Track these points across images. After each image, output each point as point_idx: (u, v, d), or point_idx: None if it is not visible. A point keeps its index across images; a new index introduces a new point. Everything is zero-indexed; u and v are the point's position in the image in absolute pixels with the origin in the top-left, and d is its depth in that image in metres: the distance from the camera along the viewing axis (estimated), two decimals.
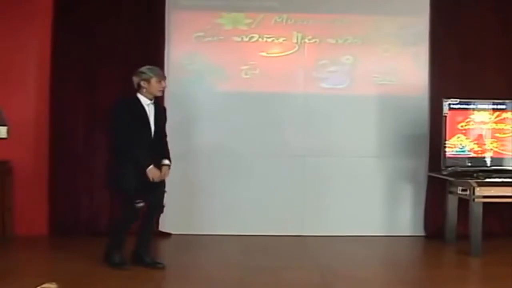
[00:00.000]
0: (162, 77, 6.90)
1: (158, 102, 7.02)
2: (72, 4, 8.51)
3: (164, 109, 7.14)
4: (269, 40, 8.80)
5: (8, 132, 7.59)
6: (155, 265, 6.86)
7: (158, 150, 6.88)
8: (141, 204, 6.66)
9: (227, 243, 8.10)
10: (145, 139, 6.72)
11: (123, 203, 6.81)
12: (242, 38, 8.79)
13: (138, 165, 6.62)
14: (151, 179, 6.64)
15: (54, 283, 4.70)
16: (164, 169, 6.86)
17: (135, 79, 6.85)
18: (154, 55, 8.48)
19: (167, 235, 8.55)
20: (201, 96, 8.74)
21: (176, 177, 8.56)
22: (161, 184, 6.86)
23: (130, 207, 6.65)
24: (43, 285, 4.64)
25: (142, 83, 6.80)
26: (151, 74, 6.81)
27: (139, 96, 6.80)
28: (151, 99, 6.82)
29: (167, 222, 8.51)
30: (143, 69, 6.89)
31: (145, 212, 6.82)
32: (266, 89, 8.66)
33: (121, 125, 6.65)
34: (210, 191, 8.67)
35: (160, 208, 6.95)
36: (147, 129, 6.76)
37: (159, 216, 7.16)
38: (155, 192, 6.79)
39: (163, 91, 7.00)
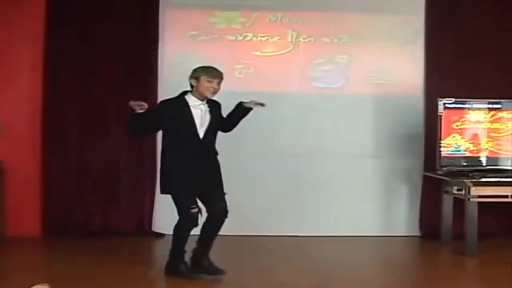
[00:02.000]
0: (214, 77, 6.49)
1: (212, 101, 6.61)
2: (65, 3, 8.48)
3: (219, 105, 6.70)
4: (264, 39, 8.76)
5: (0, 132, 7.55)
6: (216, 271, 6.54)
7: (234, 117, 6.76)
8: (195, 210, 6.37)
9: (221, 244, 8.04)
10: (190, 142, 6.39)
11: (178, 209, 6.44)
12: (236, 37, 8.75)
13: (132, 125, 6.46)
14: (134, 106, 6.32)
15: (46, 284, 4.66)
16: (248, 103, 6.70)
17: (189, 78, 6.56)
18: (148, 54, 8.52)
19: (160, 235, 8.50)
20: None
21: None
22: (220, 187, 6.57)
23: (185, 213, 6.37)
24: (35, 286, 4.60)
25: (192, 82, 6.52)
26: (201, 73, 6.50)
27: (188, 96, 6.50)
28: (202, 100, 6.50)
29: (160, 223, 8.48)
30: (197, 67, 6.60)
31: (208, 218, 6.51)
32: (260, 89, 8.60)
33: (152, 119, 6.41)
34: None
35: (225, 213, 6.53)
36: (191, 131, 6.40)
37: (223, 221, 6.63)
38: (216, 197, 6.50)
39: (214, 93, 6.53)
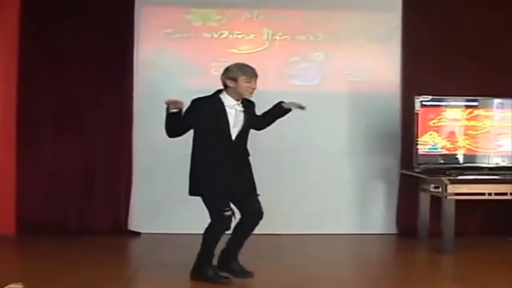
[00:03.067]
0: (252, 76, 6.17)
1: (247, 101, 6.29)
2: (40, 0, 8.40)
3: (253, 104, 6.39)
4: (239, 36, 8.73)
5: None
6: (244, 274, 6.32)
7: (270, 117, 6.55)
8: (229, 213, 6.14)
9: (198, 243, 8.01)
10: (222, 143, 6.14)
11: (210, 212, 6.19)
12: (212, 35, 8.72)
13: (168, 125, 6.21)
14: (169, 105, 6.11)
15: (20, 283, 4.60)
16: (287, 104, 6.48)
17: (222, 78, 6.23)
18: (123, 52, 8.49)
19: (136, 234, 8.45)
20: (170, 93, 8.58)
21: (146, 175, 8.53)
22: (253, 189, 6.32)
23: (218, 216, 6.12)
24: (9, 286, 4.53)
25: (228, 82, 6.16)
26: (238, 73, 6.15)
27: (223, 95, 6.20)
28: (237, 100, 6.19)
29: (136, 221, 8.45)
30: (231, 66, 6.27)
31: (242, 219, 6.26)
32: None
33: (184, 118, 6.15)
34: (182, 189, 8.55)
35: (260, 214, 6.28)
36: (224, 132, 6.14)
37: (258, 223, 6.33)
38: (250, 199, 6.27)
39: (252, 92, 6.22)
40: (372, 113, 8.69)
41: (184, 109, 6.16)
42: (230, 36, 8.73)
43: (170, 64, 8.67)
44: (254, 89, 6.20)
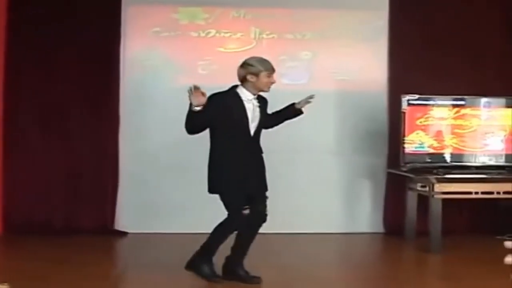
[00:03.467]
0: (272, 71, 6.10)
1: (260, 97, 6.21)
2: (26, 0, 8.37)
3: (266, 101, 6.30)
4: (227, 35, 8.71)
5: None
6: (251, 280, 6.22)
7: (281, 117, 6.54)
8: (247, 211, 6.06)
9: (186, 242, 7.97)
10: (242, 139, 6.04)
11: (228, 209, 6.07)
12: (199, 33, 8.69)
13: (189, 122, 6.02)
14: (194, 102, 5.92)
15: (6, 284, 4.57)
16: (299, 104, 6.51)
17: (241, 72, 6.10)
18: (110, 51, 8.44)
19: (123, 234, 8.43)
20: (157, 92, 8.62)
21: (132, 174, 8.50)
22: (264, 189, 6.22)
23: (236, 215, 6.03)
24: None
25: (249, 77, 6.04)
26: (260, 68, 6.04)
27: (240, 90, 6.10)
28: (254, 94, 6.11)
29: (123, 221, 8.43)
30: (251, 61, 6.14)
31: (246, 222, 6.14)
32: (223, 85, 8.51)
33: (204, 114, 5.98)
34: (168, 188, 8.55)
35: (263, 217, 6.20)
36: (244, 127, 6.05)
37: (260, 226, 6.25)
38: (259, 200, 6.16)
39: (270, 87, 6.16)
40: (359, 112, 8.69)
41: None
42: (217, 34, 8.70)
43: (157, 63, 8.64)
44: (273, 83, 6.14)
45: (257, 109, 6.13)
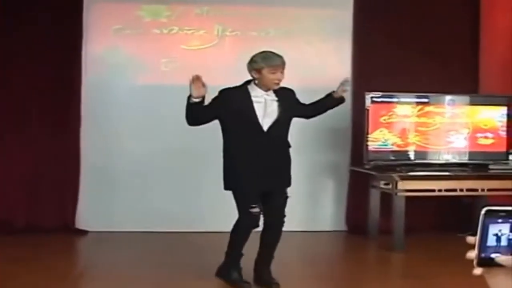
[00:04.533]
0: (277, 67, 5.84)
1: (283, 89, 6.03)
2: None
3: (291, 92, 6.16)
4: (189, 32, 8.65)
5: None
6: (272, 285, 6.08)
7: (322, 105, 6.36)
8: (256, 210, 5.88)
9: (148, 241, 7.98)
10: (252, 135, 5.87)
11: (237, 207, 5.95)
12: (161, 31, 8.62)
13: (191, 111, 5.85)
14: (194, 93, 5.77)
15: None
16: (338, 92, 6.25)
17: (248, 68, 5.94)
18: (72, 49, 8.35)
19: (84, 232, 8.36)
20: (120, 90, 8.56)
21: (93, 173, 8.43)
22: (282, 187, 6.13)
23: (244, 213, 5.88)
24: None
25: (253, 73, 5.88)
26: (262, 64, 5.82)
27: (251, 86, 5.93)
28: (266, 90, 5.92)
29: (84, 219, 8.37)
30: (256, 56, 5.93)
31: (264, 224, 6.05)
32: (186, 83, 8.42)
33: (210, 108, 5.89)
34: (129, 187, 8.50)
35: (280, 218, 6.08)
36: (253, 123, 5.85)
37: (279, 229, 6.16)
38: (275, 199, 6.07)
39: (279, 84, 5.92)
40: None
41: (204, 99, 5.93)
42: (180, 32, 8.64)
43: (119, 61, 8.56)
44: (280, 80, 5.91)
45: (274, 104, 5.95)
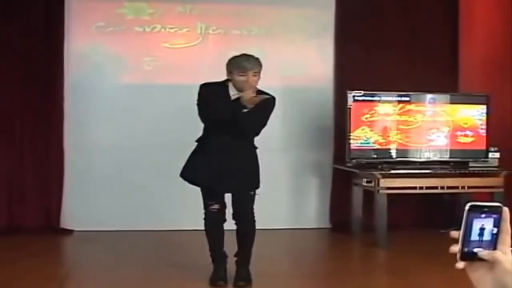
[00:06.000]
0: (246, 70, 5.73)
1: (264, 94, 5.88)
2: None
3: (273, 99, 5.99)
4: (172, 30, 8.64)
5: None
6: (237, 282, 6.10)
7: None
8: (215, 206, 5.93)
9: (134, 239, 7.96)
10: (221, 133, 5.85)
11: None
12: (144, 29, 8.59)
13: (226, 125, 5.73)
14: (247, 102, 5.64)
15: None
16: (259, 98, 5.74)
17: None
18: (53, 47, 8.30)
19: (69, 232, 8.32)
20: (102, 88, 8.54)
21: (77, 172, 8.41)
22: (248, 187, 6.05)
23: (204, 208, 5.99)
24: None
25: (227, 74, 5.85)
26: (231, 67, 5.81)
27: (230, 84, 5.86)
28: (240, 91, 5.78)
29: (69, 219, 8.34)
30: (231, 58, 5.90)
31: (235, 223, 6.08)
32: (169, 81, 8.51)
33: (202, 104, 5.87)
34: (113, 185, 8.48)
35: (246, 218, 6.07)
36: (225, 122, 5.76)
37: (248, 228, 6.14)
38: (241, 199, 6.04)
39: (252, 86, 5.76)
40: (305, 108, 8.71)
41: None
42: (163, 30, 8.62)
43: (101, 59, 8.53)
44: (251, 83, 5.76)
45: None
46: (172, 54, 8.59)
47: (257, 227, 8.46)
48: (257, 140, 8.71)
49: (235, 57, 5.94)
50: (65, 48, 8.37)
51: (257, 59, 5.92)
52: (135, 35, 8.56)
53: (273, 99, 6.00)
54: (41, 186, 8.33)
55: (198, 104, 5.95)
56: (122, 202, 8.48)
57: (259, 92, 5.86)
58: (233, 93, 5.86)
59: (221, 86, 5.92)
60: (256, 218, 8.47)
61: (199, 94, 5.97)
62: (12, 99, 8.23)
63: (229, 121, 5.77)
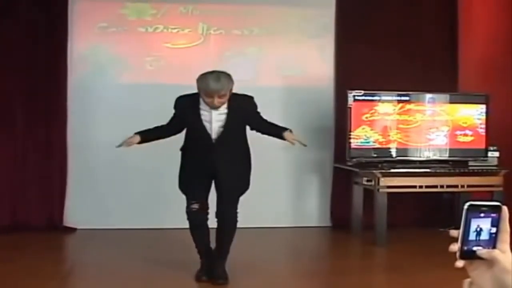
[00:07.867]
0: (211, 93, 5.72)
1: (240, 98, 6.02)
2: None
3: (247, 102, 6.11)
4: (174, 31, 8.70)
5: None
6: (218, 280, 6.13)
7: (271, 130, 6.33)
8: (195, 206, 6.05)
9: (137, 237, 7.99)
10: (201, 142, 5.97)
11: None
12: (146, 29, 8.65)
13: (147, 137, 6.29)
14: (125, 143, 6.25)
15: None
16: (289, 135, 6.20)
17: None
18: (57, 48, 8.34)
19: (72, 230, 8.37)
20: (104, 88, 8.58)
21: (80, 171, 8.45)
22: (232, 190, 6.17)
23: (186, 207, 6.13)
24: None
25: (197, 89, 5.86)
26: (199, 86, 5.80)
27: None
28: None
29: (72, 217, 8.38)
30: (199, 76, 5.85)
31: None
32: (171, 81, 8.53)
33: (174, 118, 6.16)
34: (116, 183, 8.52)
35: (223, 218, 6.14)
36: (201, 131, 5.93)
37: (228, 232, 6.23)
38: (223, 200, 6.14)
39: (218, 106, 5.85)
40: (306, 108, 8.75)
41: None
42: (165, 30, 8.68)
43: (104, 59, 8.58)
44: (216, 104, 5.81)
45: (222, 116, 5.92)
46: (174, 54, 8.64)
47: (259, 226, 8.63)
48: (258, 140, 8.79)
49: (205, 74, 5.83)
50: (68, 48, 8.41)
51: (227, 77, 5.85)
52: (137, 36, 8.62)
53: (251, 98, 6.18)
54: (44, 185, 8.38)
55: (172, 117, 6.20)
56: (124, 201, 8.53)
57: (234, 95, 5.95)
58: (203, 107, 5.92)
59: (195, 99, 5.96)
60: (257, 216, 8.59)
61: (174, 107, 6.16)
62: (16, 99, 8.27)
63: (201, 132, 5.97)
